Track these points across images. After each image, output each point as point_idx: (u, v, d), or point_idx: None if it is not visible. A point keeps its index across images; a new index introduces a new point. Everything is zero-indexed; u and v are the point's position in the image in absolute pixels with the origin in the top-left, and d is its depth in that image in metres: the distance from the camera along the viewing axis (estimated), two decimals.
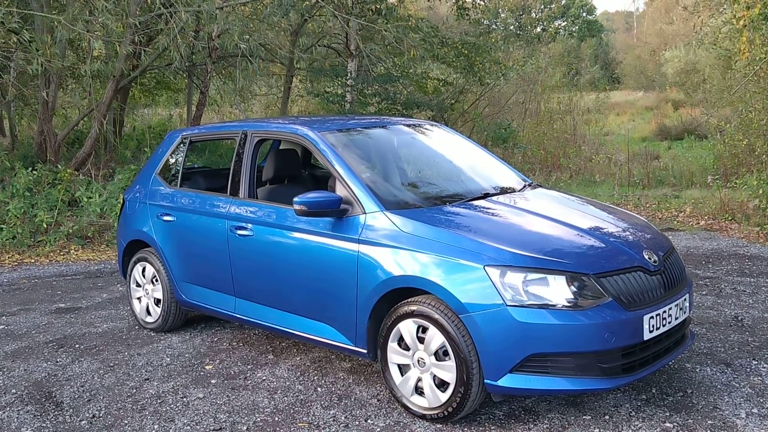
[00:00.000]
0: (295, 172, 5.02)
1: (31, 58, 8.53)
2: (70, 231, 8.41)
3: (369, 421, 3.53)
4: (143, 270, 5.10)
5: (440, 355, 3.39)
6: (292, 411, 3.68)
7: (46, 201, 8.70)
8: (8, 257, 7.84)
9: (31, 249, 8.13)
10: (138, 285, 5.18)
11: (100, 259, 7.87)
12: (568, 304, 3.18)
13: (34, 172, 8.92)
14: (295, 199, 3.74)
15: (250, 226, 4.23)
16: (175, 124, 15.69)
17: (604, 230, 3.77)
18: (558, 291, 3.20)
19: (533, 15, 39.19)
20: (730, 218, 8.90)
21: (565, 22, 42.37)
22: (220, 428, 3.50)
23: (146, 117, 17.90)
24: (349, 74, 13.15)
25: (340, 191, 3.86)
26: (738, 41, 9.99)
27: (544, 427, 3.40)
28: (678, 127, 20.15)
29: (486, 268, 3.25)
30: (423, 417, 3.48)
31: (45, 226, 8.33)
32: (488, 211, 3.89)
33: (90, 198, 8.84)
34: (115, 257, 7.87)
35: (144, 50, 9.99)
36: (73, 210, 8.98)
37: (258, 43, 10.58)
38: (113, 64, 10.45)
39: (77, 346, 4.85)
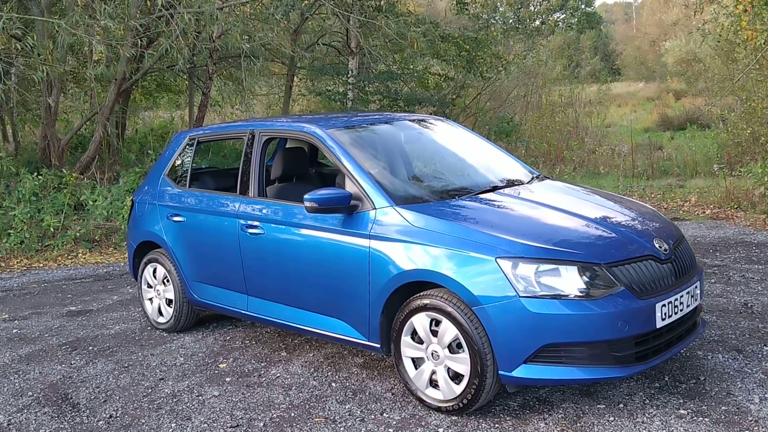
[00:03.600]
0: (303, 170, 5.04)
1: (33, 64, 8.55)
2: (77, 235, 8.44)
3: (384, 414, 3.55)
4: (154, 271, 5.13)
5: (454, 347, 3.42)
6: (307, 406, 3.70)
7: (52, 205, 8.73)
8: (17, 262, 7.88)
9: (39, 253, 8.16)
10: (149, 286, 5.20)
11: (108, 262, 7.90)
12: (581, 294, 3.20)
13: (39, 177, 8.95)
14: (306, 196, 3.76)
15: (260, 224, 4.26)
16: (177, 126, 15.71)
17: (614, 220, 3.79)
18: (570, 281, 3.21)
19: (532, 8, 39.11)
20: (735, 206, 8.91)
21: (564, 15, 42.27)
22: (237, 425, 3.53)
23: (148, 120, 17.94)
24: (350, 72, 13.16)
25: (350, 187, 3.88)
26: (739, 30, 9.97)
27: (559, 416, 3.42)
28: (680, 117, 20.11)
29: (498, 260, 3.26)
30: (438, 409, 3.50)
31: (52, 230, 8.36)
32: (497, 203, 3.91)
33: (95, 201, 8.87)
34: (123, 260, 7.90)
35: (145, 52, 10.02)
36: (79, 214, 9.02)
37: (260, 44, 10.60)
38: (115, 68, 10.48)
39: (90, 348, 4.88)
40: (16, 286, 6.89)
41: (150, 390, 4.06)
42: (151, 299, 5.21)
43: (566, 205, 3.89)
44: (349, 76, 13.12)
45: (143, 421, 3.66)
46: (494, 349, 3.27)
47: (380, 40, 13.18)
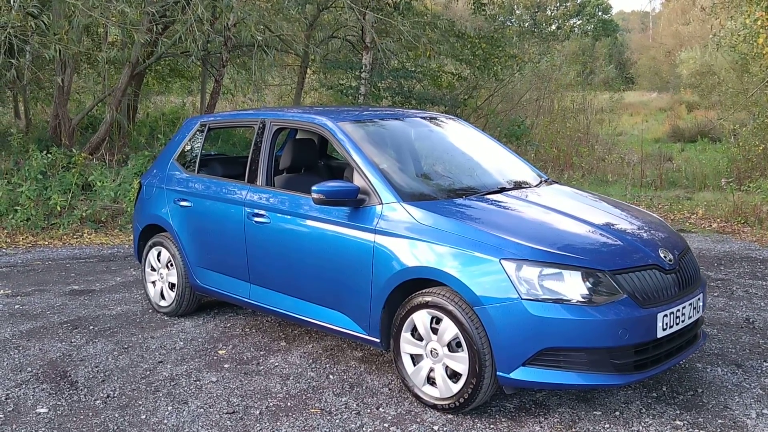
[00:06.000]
0: (311, 162, 5.03)
1: (47, 43, 8.58)
2: (84, 215, 8.47)
3: (380, 409, 3.56)
4: (158, 254, 5.14)
5: (453, 346, 3.42)
6: (304, 397, 3.71)
7: (60, 184, 8.76)
8: (22, 239, 7.92)
9: (44, 231, 8.20)
10: (153, 269, 5.22)
11: (113, 243, 7.93)
12: (583, 300, 3.19)
13: (48, 155, 8.98)
14: (314, 187, 3.76)
15: (267, 213, 4.26)
16: (188, 112, 15.74)
17: (620, 228, 3.78)
18: (573, 286, 3.21)
19: (548, 12, 39.01)
20: (742, 221, 8.87)
21: (581, 21, 42.14)
22: (233, 411, 3.54)
23: (159, 104, 17.98)
24: (363, 67, 13.15)
25: (357, 181, 3.89)
26: (755, 44, 9.93)
27: (555, 421, 3.42)
28: (691, 129, 20.06)
29: (502, 261, 3.26)
30: (434, 407, 3.51)
31: (59, 209, 8.39)
32: (504, 205, 3.90)
33: (103, 182, 8.90)
34: (128, 242, 7.93)
35: (159, 38, 10.03)
36: (86, 194, 9.05)
37: (274, 35, 10.60)
38: (129, 51, 10.50)
39: (91, 327, 4.91)
40: (20, 263, 6.92)
41: (148, 372, 4.08)
42: (154, 282, 5.23)
43: (573, 211, 3.88)
44: (362, 71, 13.12)
45: (140, 402, 3.67)
46: (493, 350, 3.27)
47: (395, 37, 13.17)
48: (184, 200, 4.88)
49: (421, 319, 3.52)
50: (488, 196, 3.99)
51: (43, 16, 8.50)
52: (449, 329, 3.40)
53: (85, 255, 7.32)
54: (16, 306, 5.42)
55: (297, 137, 5.26)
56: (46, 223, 8.34)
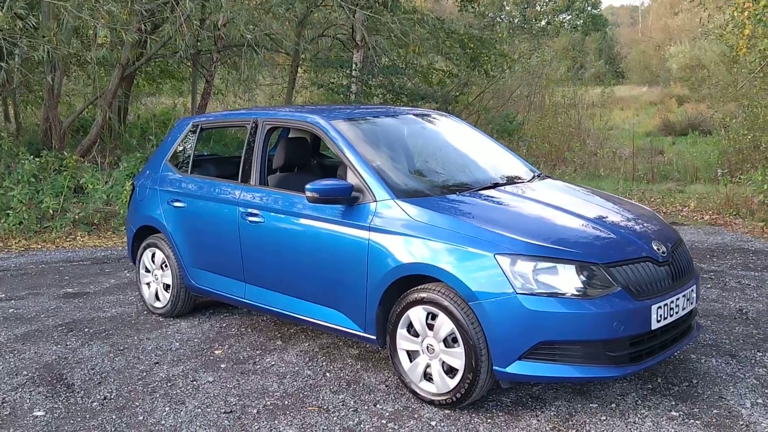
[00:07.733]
0: (304, 161, 5.04)
1: (36, 44, 8.53)
2: (76, 217, 8.44)
3: (378, 405, 3.57)
4: (153, 255, 5.13)
5: (449, 341, 3.43)
6: (301, 395, 3.72)
7: (52, 187, 8.71)
8: (15, 242, 7.88)
9: (37, 235, 8.17)
10: (147, 270, 5.21)
11: (107, 246, 7.91)
12: (578, 293, 3.21)
13: (39, 158, 8.93)
14: (307, 186, 3.76)
15: (260, 212, 4.26)
16: (179, 113, 15.68)
17: (613, 221, 3.80)
18: (567, 280, 3.23)
19: (538, 8, 39.05)
20: (734, 213, 8.93)
21: (570, 16, 42.23)
22: (231, 411, 3.55)
23: (150, 105, 17.90)
24: (354, 65, 13.14)
25: (351, 179, 3.89)
26: (740, 34, 9.97)
27: (551, 414, 3.44)
28: (682, 122, 20.12)
29: (496, 256, 3.28)
30: (431, 402, 3.52)
31: (51, 212, 8.36)
32: (497, 200, 3.92)
33: (96, 185, 8.86)
34: (121, 244, 7.91)
35: (149, 38, 9.99)
36: (78, 197, 9.01)
37: (264, 34, 10.58)
38: (119, 52, 10.45)
39: (86, 330, 4.89)
40: (13, 266, 6.89)
41: (145, 373, 4.07)
42: (148, 284, 5.22)
43: (566, 205, 3.90)
44: (353, 69, 13.10)
45: (137, 403, 3.67)
46: (489, 345, 3.29)
47: (385, 34, 13.16)
48: (178, 201, 4.88)
49: (416, 315, 3.53)
50: (481, 192, 4.00)
51: (31, 17, 8.44)
52: (445, 325, 3.41)
53: (78, 258, 7.29)
54: (11, 310, 5.40)
55: (290, 136, 5.26)
56: (38, 226, 8.31)
